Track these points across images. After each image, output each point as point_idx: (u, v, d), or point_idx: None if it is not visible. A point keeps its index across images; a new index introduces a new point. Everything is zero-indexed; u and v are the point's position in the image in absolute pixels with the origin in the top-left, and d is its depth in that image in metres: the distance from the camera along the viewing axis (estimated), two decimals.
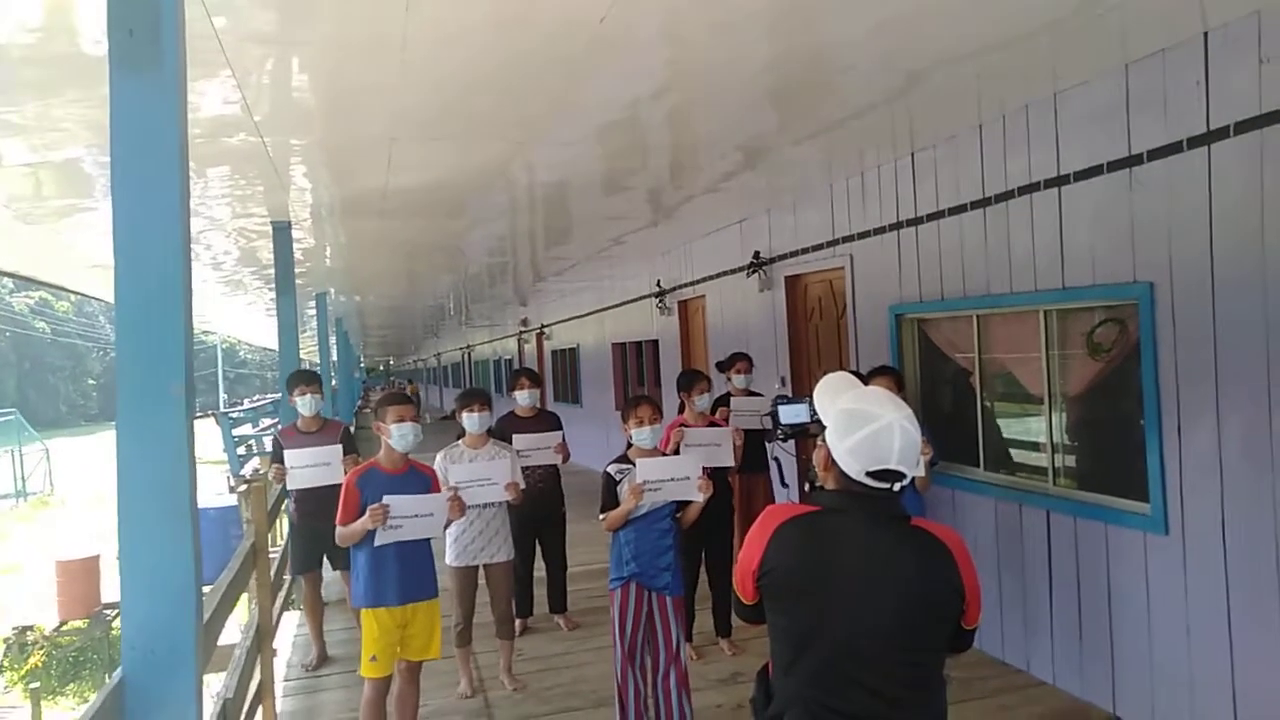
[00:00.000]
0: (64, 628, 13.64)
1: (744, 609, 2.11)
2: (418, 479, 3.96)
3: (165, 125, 1.95)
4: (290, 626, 6.38)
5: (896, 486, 1.93)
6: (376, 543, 3.72)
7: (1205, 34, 3.44)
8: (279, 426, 7.45)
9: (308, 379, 5.66)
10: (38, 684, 12.03)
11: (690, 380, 5.15)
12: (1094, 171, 4.05)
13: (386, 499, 3.70)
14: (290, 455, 5.28)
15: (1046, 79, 4.08)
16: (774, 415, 2.87)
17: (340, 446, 5.32)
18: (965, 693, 4.40)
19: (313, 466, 5.18)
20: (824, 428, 2.06)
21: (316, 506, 5.14)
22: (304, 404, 5.52)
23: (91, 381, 77.50)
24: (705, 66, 3.64)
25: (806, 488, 2.16)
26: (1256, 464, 3.41)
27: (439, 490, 4.02)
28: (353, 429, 7.03)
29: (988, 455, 5.05)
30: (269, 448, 19.02)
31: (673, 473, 3.94)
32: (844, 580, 1.92)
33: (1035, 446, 4.77)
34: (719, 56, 3.50)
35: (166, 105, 1.95)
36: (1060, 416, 4.56)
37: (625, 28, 3.09)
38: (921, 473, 3.49)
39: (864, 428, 1.91)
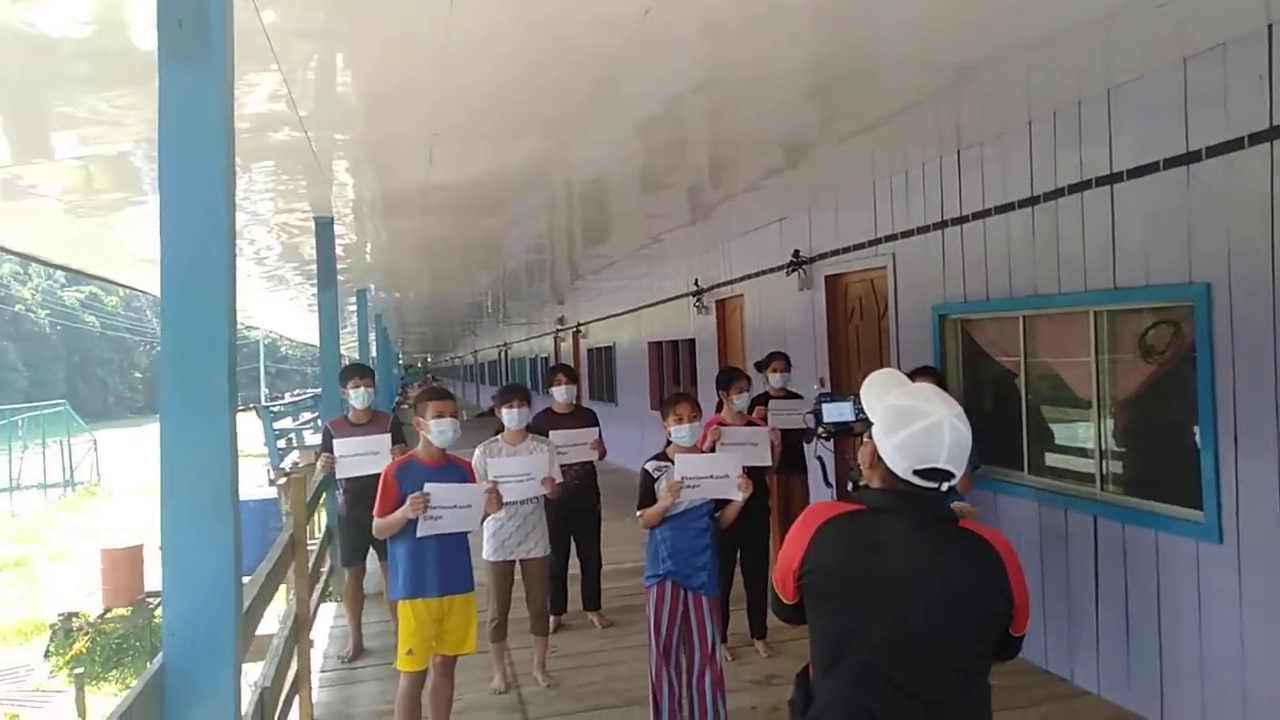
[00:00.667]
0: (108, 615, 13.91)
1: (784, 609, 2.07)
2: (456, 472, 3.96)
3: (213, 117, 1.95)
4: (327, 618, 6.44)
5: (944, 486, 1.88)
6: (419, 534, 3.74)
7: (1269, 26, 3.33)
8: (319, 420, 7.52)
9: (362, 372, 5.74)
10: (82, 669, 12.29)
11: (729, 378, 5.11)
12: (1149, 169, 3.93)
13: (427, 487, 3.71)
14: (339, 444, 5.33)
15: (1100, 75, 3.97)
16: (817, 413, 2.83)
17: (389, 436, 5.37)
18: (1007, 701, 4.31)
19: (361, 455, 5.23)
20: (868, 426, 2.02)
21: (365, 499, 5.19)
22: (357, 396, 5.58)
23: (138, 375, 79.18)
24: (747, 61, 3.60)
25: (850, 487, 2.12)
26: None
27: (476, 483, 4.02)
28: None
29: (1032, 459, 4.95)
30: (308, 441, 19.16)
31: (711, 470, 3.91)
32: (887, 582, 1.87)
33: (1083, 451, 4.66)
34: (761, 51, 3.46)
35: (214, 97, 1.95)
36: (1109, 420, 4.44)
37: (666, 22, 3.06)
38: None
39: (913, 424, 1.87)
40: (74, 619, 13.97)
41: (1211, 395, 3.72)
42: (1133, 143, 4.02)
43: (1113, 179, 4.15)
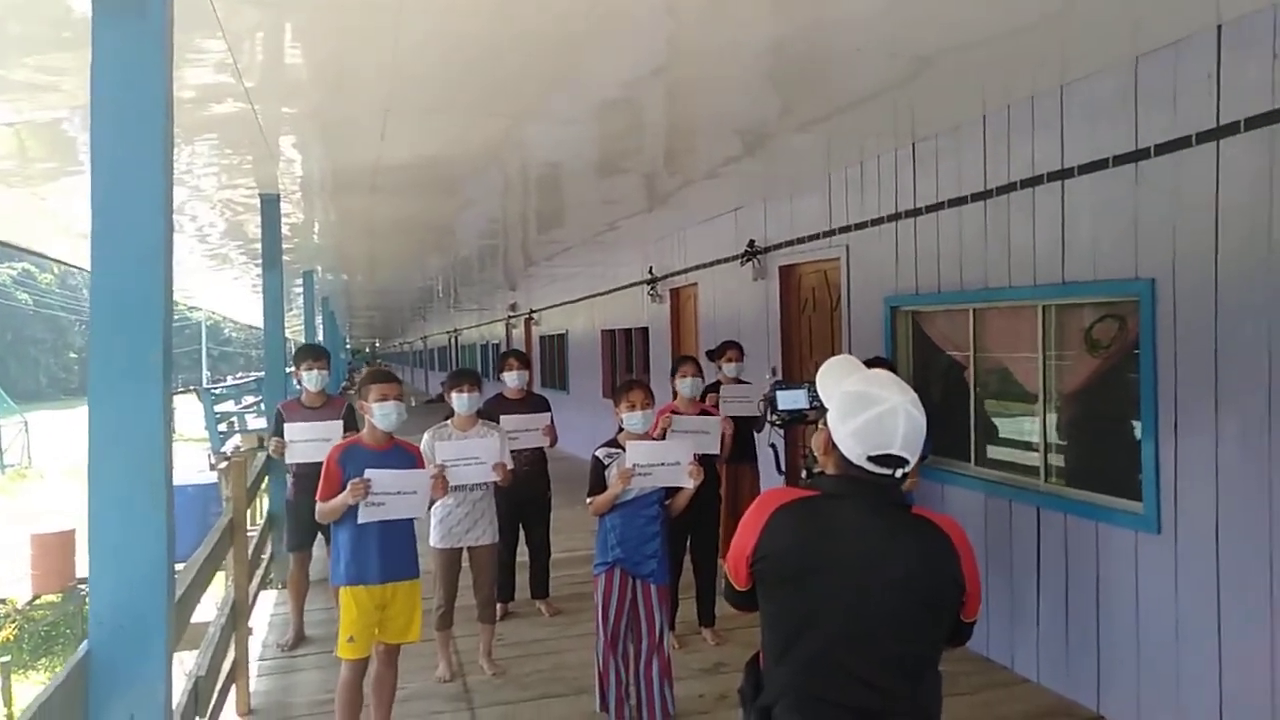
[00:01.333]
0: (37, 602, 13.51)
1: (736, 595, 2.05)
2: (402, 456, 3.88)
3: (150, 78, 1.86)
4: (268, 605, 6.30)
5: (898, 473, 1.88)
6: (360, 520, 3.65)
7: (1219, 27, 3.39)
8: (261, 404, 7.34)
9: (316, 354, 5.58)
10: (8, 658, 11.90)
11: (675, 364, 5.13)
12: (1099, 165, 3.99)
13: (368, 472, 3.62)
14: (290, 429, 5.19)
15: (1055, 70, 4.02)
16: (771, 400, 2.81)
17: (341, 423, 5.23)
18: (948, 688, 4.29)
19: (312, 441, 5.09)
20: (823, 413, 2.01)
21: (314, 484, 5.08)
22: (311, 379, 5.44)
23: (73, 355, 76.78)
24: (706, 45, 3.56)
25: (804, 474, 2.11)
26: (1254, 465, 3.37)
27: (423, 469, 3.94)
28: None
29: (979, 450, 5.02)
30: (250, 425, 18.80)
31: (663, 458, 3.89)
32: (841, 568, 1.86)
33: (1028, 443, 4.74)
34: (720, 35, 3.42)
35: (151, 57, 1.86)
36: (1054, 413, 4.52)
37: (626, 1, 3.01)
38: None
39: (868, 410, 1.86)
40: (1, 606, 13.53)
41: (1153, 389, 3.79)
42: (1084, 138, 4.08)
43: (1064, 174, 4.20)
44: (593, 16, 3.14)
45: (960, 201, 4.92)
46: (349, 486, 3.59)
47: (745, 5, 3.12)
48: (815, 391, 2.11)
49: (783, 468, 5.53)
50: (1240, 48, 3.33)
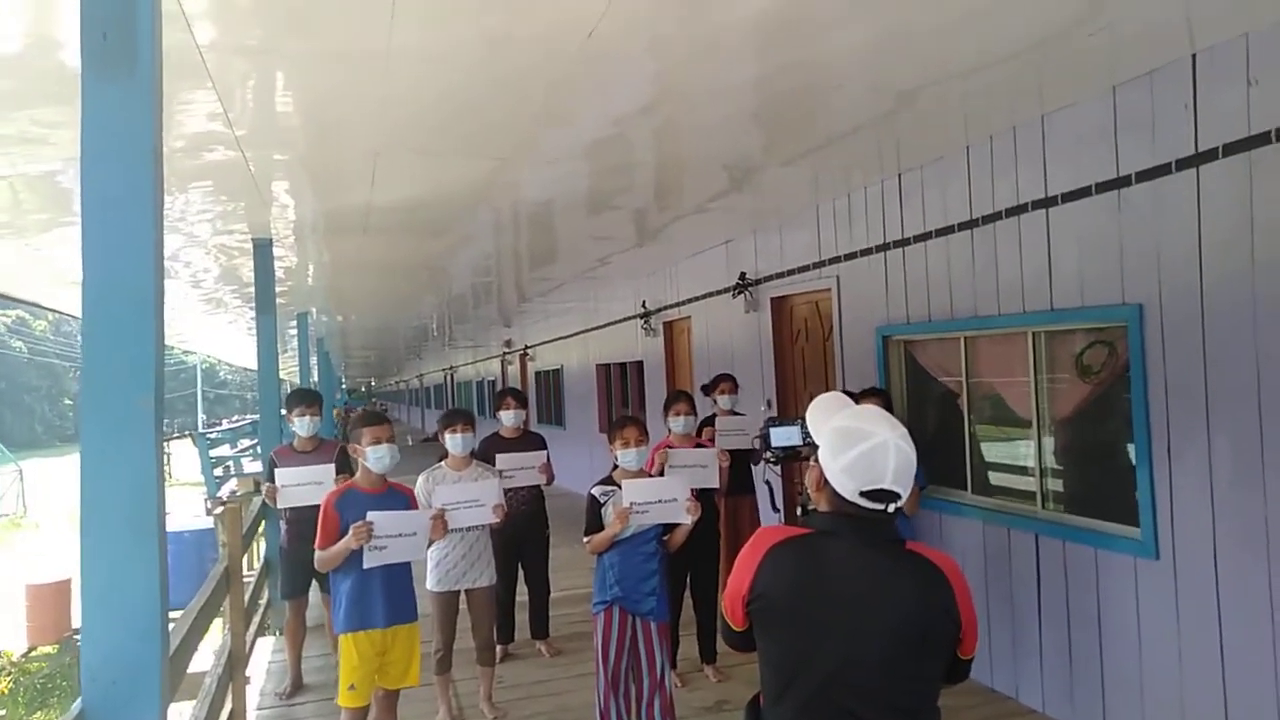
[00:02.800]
0: (32, 653, 13.31)
1: (733, 636, 2.04)
2: (397, 499, 3.88)
3: (139, 134, 1.88)
4: (265, 652, 6.23)
5: (890, 508, 1.88)
6: (365, 565, 3.63)
7: (1193, 56, 3.45)
8: (258, 448, 7.32)
9: (309, 400, 5.56)
10: (3, 711, 11.72)
11: (668, 402, 5.13)
12: (1082, 193, 4.04)
13: (370, 515, 3.61)
14: (281, 474, 5.16)
15: (1034, 101, 4.08)
16: (765, 437, 2.82)
17: (333, 466, 5.21)
18: None
19: (304, 485, 5.06)
20: (816, 449, 2.01)
21: (309, 530, 5.06)
22: (302, 425, 5.43)
23: (68, 401, 76.56)
24: (692, 84, 3.62)
25: (799, 511, 2.11)
26: (1247, 488, 3.38)
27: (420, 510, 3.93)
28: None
29: (975, 478, 5.01)
30: (246, 469, 18.67)
31: (660, 494, 3.88)
32: (836, 607, 1.85)
33: (1024, 470, 4.74)
34: (706, 74, 3.47)
35: (140, 112, 1.89)
36: (1049, 439, 4.53)
37: (612, 44, 3.06)
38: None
39: (858, 446, 1.86)
40: None
41: (1145, 414, 3.81)
42: (1066, 167, 4.13)
43: (1048, 203, 4.25)
44: (579, 59, 3.19)
45: (947, 231, 4.97)
46: (351, 530, 3.58)
47: (729, 46, 3.18)
48: (807, 428, 2.12)
49: (778, 504, 5.52)
50: (1215, 76, 3.38)
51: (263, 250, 6.50)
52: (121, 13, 1.87)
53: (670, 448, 4.90)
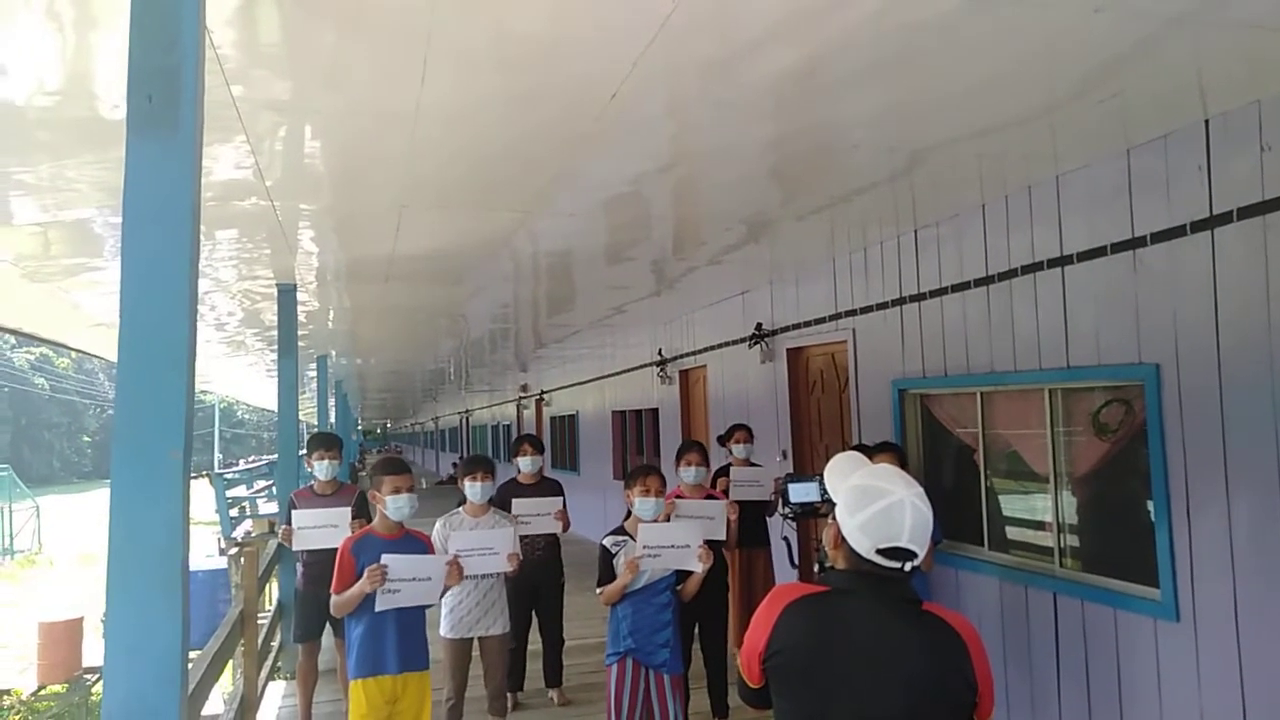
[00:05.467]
0: (41, 692, 13.27)
1: (750, 693, 2.04)
2: (414, 545, 3.90)
3: (179, 190, 1.95)
4: (276, 697, 6.20)
5: (907, 566, 1.89)
6: (377, 608, 3.64)
7: (1206, 121, 3.50)
8: (273, 489, 7.36)
9: (329, 443, 5.61)
10: None
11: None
12: (1098, 252, 4.07)
13: (385, 558, 3.64)
14: (299, 516, 5.19)
15: (1048, 162, 4.13)
16: (783, 494, 2.83)
17: (349, 510, 5.24)
18: None
19: (320, 528, 5.09)
20: (833, 506, 2.03)
21: (324, 573, 5.07)
22: (321, 469, 5.48)
23: (86, 438, 77.18)
24: (710, 143, 3.70)
25: (816, 568, 2.12)
26: (1268, 548, 3.35)
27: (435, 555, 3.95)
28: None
29: (992, 534, 4.98)
30: (262, 510, 18.69)
31: (673, 540, 3.89)
32: (851, 667, 1.86)
33: (1041, 526, 4.70)
34: (724, 134, 3.55)
35: (182, 170, 1.95)
36: (1066, 496, 4.50)
37: (634, 104, 3.15)
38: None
39: (875, 504, 1.88)
40: (5, 697, 13.29)
41: (1164, 473, 3.79)
42: (1081, 227, 4.17)
43: (1063, 261, 4.28)
44: (601, 118, 3.27)
45: (964, 287, 5.00)
46: (365, 574, 3.60)
47: (746, 107, 3.26)
48: (825, 485, 2.15)
49: (795, 560, 5.49)
50: (1228, 141, 3.43)
51: (286, 295, 6.61)
52: (167, 76, 1.94)
53: (680, 498, 4.90)
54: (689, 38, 2.65)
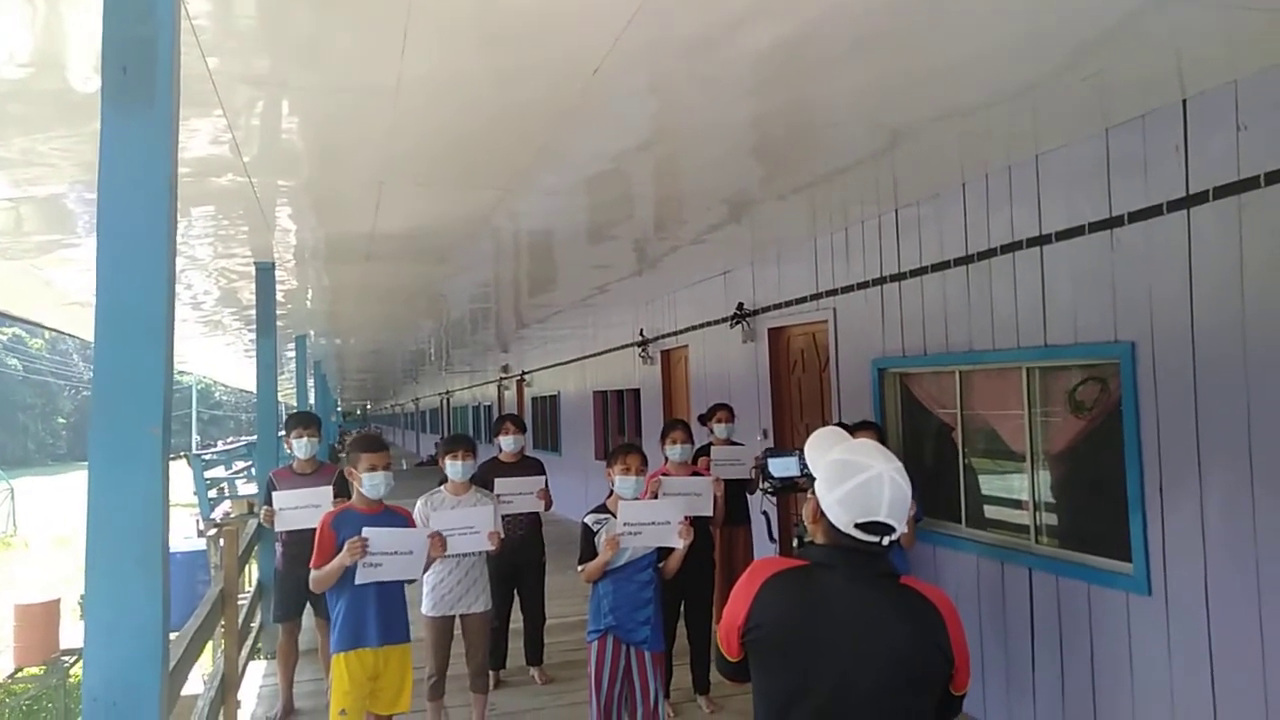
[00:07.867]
0: (18, 674, 13.19)
1: (728, 666, 2.06)
2: (394, 519, 3.90)
3: (156, 164, 1.92)
4: (256, 676, 6.20)
5: (885, 541, 1.91)
6: (357, 581, 3.64)
7: (1184, 101, 3.53)
8: (252, 469, 7.31)
9: (306, 421, 5.57)
10: None
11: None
12: (1075, 232, 4.11)
13: (365, 530, 3.63)
14: (279, 496, 5.15)
15: (1028, 141, 4.15)
16: (763, 468, 2.85)
17: (330, 489, 5.22)
18: None
19: (301, 508, 5.06)
20: (812, 481, 2.04)
21: (304, 552, 5.05)
22: (300, 447, 5.44)
23: (61, 420, 76.32)
24: (692, 120, 3.68)
25: (795, 543, 2.14)
26: (1238, 525, 3.41)
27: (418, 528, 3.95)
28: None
29: (970, 511, 5.04)
30: (241, 491, 18.58)
31: (654, 517, 3.91)
32: (830, 640, 1.87)
33: (1017, 504, 4.77)
34: (706, 111, 3.54)
35: (158, 144, 1.92)
36: (1042, 474, 4.56)
37: (616, 80, 3.13)
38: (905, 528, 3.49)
39: (854, 478, 1.90)
40: None
41: (1138, 450, 3.85)
42: (1060, 206, 4.20)
43: (1042, 240, 4.32)
44: (583, 94, 3.25)
45: (943, 266, 5.03)
46: (346, 546, 3.60)
47: (727, 84, 3.24)
48: (805, 459, 2.16)
49: (774, 535, 5.53)
50: (1206, 120, 3.46)
51: (264, 274, 6.55)
52: (142, 47, 1.91)
53: (666, 475, 4.93)
54: (671, 12, 2.63)
